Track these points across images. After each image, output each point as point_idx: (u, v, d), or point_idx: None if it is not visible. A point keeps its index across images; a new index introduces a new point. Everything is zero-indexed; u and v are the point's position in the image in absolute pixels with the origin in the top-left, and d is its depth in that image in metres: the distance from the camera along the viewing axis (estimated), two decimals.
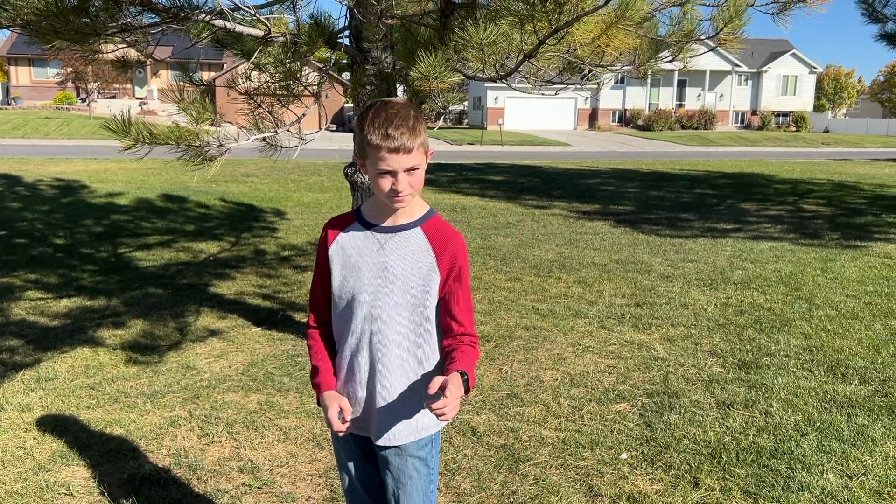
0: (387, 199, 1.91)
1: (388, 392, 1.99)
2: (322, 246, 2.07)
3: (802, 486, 3.33)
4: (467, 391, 1.88)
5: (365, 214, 2.04)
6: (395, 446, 2.02)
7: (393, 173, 1.85)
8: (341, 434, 2.03)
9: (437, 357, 2.03)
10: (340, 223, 2.06)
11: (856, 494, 3.27)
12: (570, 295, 6.70)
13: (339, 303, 2.02)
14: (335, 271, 2.02)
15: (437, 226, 1.99)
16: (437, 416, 1.76)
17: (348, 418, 1.97)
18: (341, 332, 2.04)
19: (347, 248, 2.01)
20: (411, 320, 1.98)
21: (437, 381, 1.79)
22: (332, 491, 3.28)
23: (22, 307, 5.99)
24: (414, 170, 1.87)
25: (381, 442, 2.03)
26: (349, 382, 2.03)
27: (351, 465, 2.16)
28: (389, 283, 1.95)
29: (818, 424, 3.98)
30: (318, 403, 2.03)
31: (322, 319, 2.11)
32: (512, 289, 6.90)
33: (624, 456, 3.62)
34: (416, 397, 1.99)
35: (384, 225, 1.99)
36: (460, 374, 1.86)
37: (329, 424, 1.96)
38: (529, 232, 10.32)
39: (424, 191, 12.09)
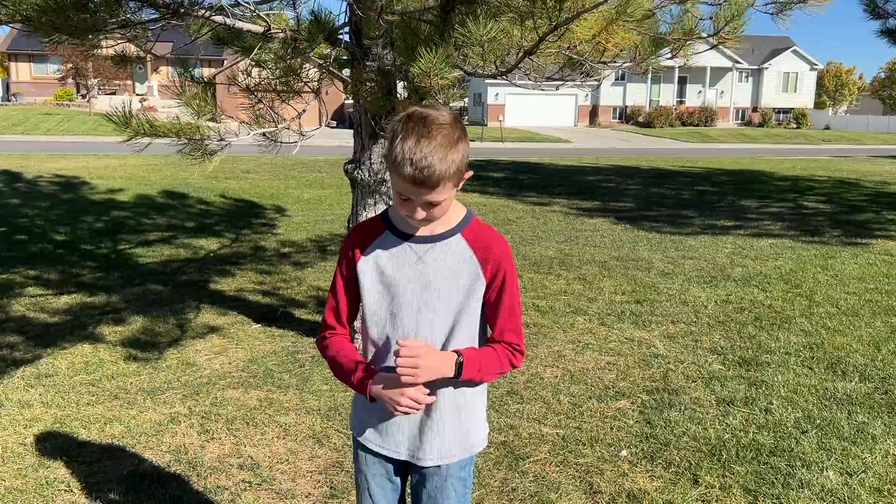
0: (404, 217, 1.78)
1: (438, 412, 1.87)
2: (347, 259, 1.86)
3: (802, 484, 3.33)
4: (458, 374, 1.79)
5: (396, 222, 1.84)
6: (437, 466, 1.92)
7: (410, 201, 1.69)
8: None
9: None
10: (369, 233, 1.86)
11: (856, 492, 3.27)
12: (570, 292, 6.70)
13: (376, 322, 1.85)
14: (367, 289, 1.83)
15: (477, 230, 1.83)
16: (400, 374, 1.71)
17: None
18: (378, 353, 1.88)
19: (381, 261, 1.82)
20: (459, 334, 1.83)
21: (408, 340, 1.74)
22: (331, 488, 3.28)
23: (22, 303, 5.99)
24: (436, 202, 1.69)
25: (429, 462, 1.91)
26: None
27: (379, 492, 2.00)
28: (433, 298, 1.80)
29: (818, 422, 3.98)
30: (370, 397, 1.83)
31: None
32: None
33: (624, 453, 3.62)
34: (466, 411, 1.91)
35: (421, 234, 1.81)
36: (456, 354, 1.79)
37: (403, 408, 1.76)
38: (529, 229, 10.31)
39: None
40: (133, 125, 4.09)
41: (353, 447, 2.04)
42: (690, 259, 8.25)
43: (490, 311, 1.86)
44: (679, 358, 4.99)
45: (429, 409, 1.86)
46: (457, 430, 1.91)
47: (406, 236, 1.82)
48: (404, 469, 2.01)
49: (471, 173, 1.77)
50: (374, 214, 2.57)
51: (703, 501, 3.21)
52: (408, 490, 2.06)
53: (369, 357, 1.91)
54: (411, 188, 1.65)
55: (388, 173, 1.80)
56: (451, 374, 1.79)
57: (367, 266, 1.84)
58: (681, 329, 5.63)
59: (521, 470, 3.44)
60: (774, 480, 3.36)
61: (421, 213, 1.70)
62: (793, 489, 3.29)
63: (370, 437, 1.96)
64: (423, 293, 1.80)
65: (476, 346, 1.88)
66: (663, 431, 3.86)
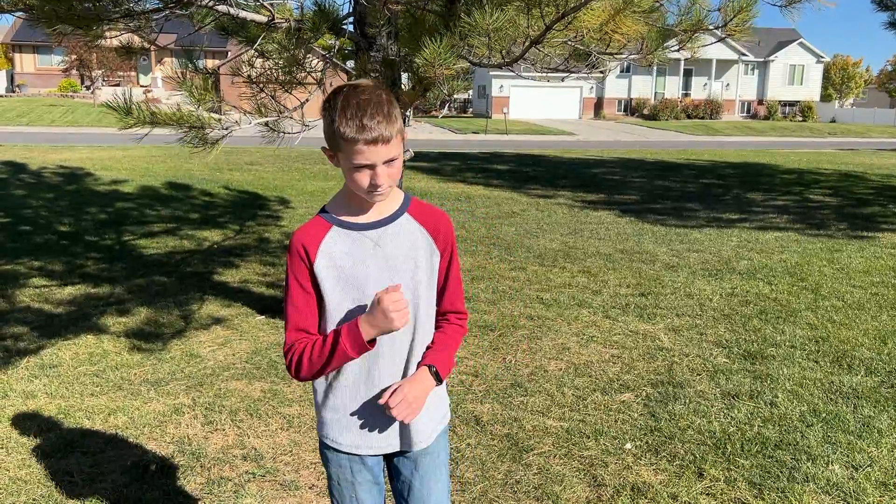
0: (365, 195, 1.75)
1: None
2: (299, 264, 1.79)
3: (808, 477, 3.31)
4: (439, 381, 1.85)
5: (340, 215, 1.83)
6: (424, 448, 1.94)
7: (371, 167, 1.69)
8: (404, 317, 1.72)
9: None
10: (317, 232, 1.81)
11: (861, 486, 3.25)
12: (574, 285, 6.68)
13: (344, 319, 1.81)
14: (329, 289, 1.79)
15: (421, 207, 1.88)
16: (392, 415, 1.76)
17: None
18: None
19: (338, 258, 1.80)
20: (427, 310, 1.87)
21: (388, 392, 1.78)
22: None
23: (26, 294, 5.99)
24: (393, 160, 1.72)
25: (422, 445, 1.93)
26: (371, 397, 1.86)
27: (368, 497, 1.97)
28: (398, 281, 1.80)
29: (824, 415, 3.96)
30: (363, 344, 1.73)
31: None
32: (516, 278, 6.87)
33: (628, 446, 3.61)
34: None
35: (370, 220, 1.82)
36: (428, 367, 1.83)
37: (396, 313, 1.68)
38: (534, 221, 10.29)
39: (429, 179, 12.02)
40: (134, 113, 4.08)
41: (331, 461, 1.95)
42: (695, 252, 8.22)
43: (441, 284, 1.92)
44: (684, 351, 4.98)
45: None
46: (437, 403, 1.96)
47: (355, 226, 1.82)
48: (382, 467, 2.02)
49: (406, 134, 1.81)
50: None
51: (707, 494, 3.19)
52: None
53: None
54: (370, 151, 1.67)
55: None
56: (435, 385, 1.85)
57: (325, 265, 1.79)
58: (686, 322, 5.61)
59: (525, 462, 3.43)
60: (779, 474, 3.35)
61: (385, 177, 1.71)
62: (798, 483, 3.27)
63: (356, 442, 1.91)
64: (388, 278, 1.81)
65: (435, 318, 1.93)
66: (668, 424, 3.84)
